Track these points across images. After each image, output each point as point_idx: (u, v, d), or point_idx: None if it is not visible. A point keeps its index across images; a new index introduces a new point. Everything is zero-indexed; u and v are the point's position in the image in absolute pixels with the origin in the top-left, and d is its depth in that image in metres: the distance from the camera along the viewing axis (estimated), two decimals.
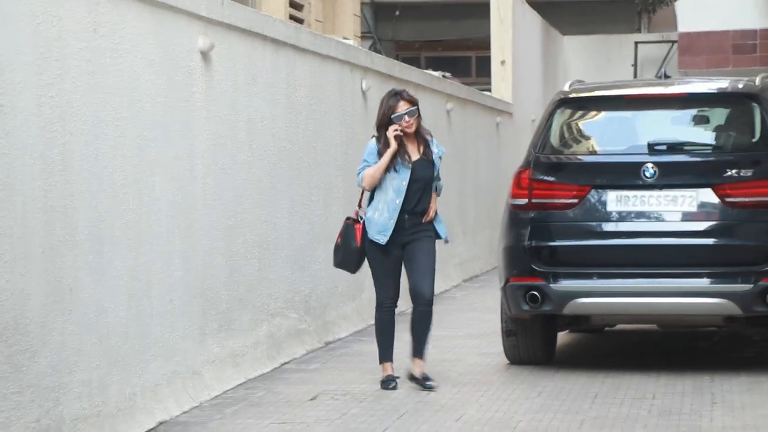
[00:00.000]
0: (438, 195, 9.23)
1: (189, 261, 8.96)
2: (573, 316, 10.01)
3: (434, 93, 16.07)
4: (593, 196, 9.77)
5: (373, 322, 12.73)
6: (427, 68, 19.96)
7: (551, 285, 9.67)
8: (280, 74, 10.85)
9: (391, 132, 8.87)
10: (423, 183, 9.00)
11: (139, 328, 8.16)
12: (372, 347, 11.23)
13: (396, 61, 15.17)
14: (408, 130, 8.94)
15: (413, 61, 21.83)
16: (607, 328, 11.74)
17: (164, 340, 8.51)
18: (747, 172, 9.62)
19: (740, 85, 10.27)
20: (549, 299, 9.68)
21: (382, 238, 8.92)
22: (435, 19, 31.30)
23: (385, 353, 9.19)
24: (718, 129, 10.38)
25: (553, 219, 9.76)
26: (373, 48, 26.00)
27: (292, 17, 18.29)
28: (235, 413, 8.47)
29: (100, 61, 7.71)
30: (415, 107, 8.98)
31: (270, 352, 10.28)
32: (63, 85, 7.25)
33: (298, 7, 19.06)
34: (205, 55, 9.22)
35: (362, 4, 25.54)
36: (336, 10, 21.48)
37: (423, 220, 9.03)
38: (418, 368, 9.06)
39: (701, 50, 21.23)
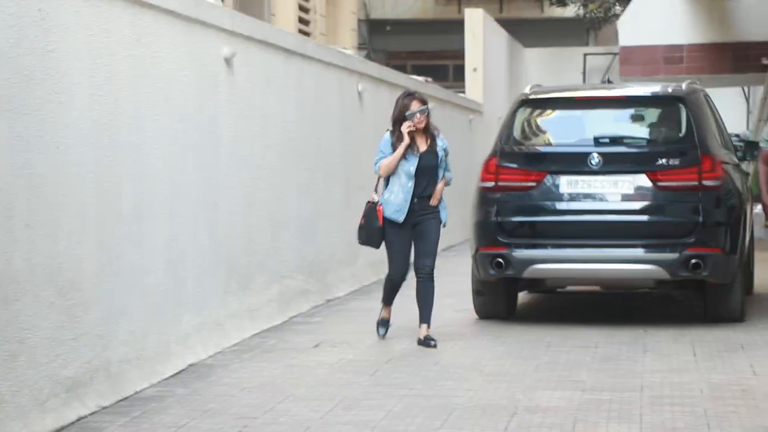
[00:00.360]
0: (448, 184, 9.02)
1: (214, 232, 8.97)
2: (531, 279, 10.01)
3: None
4: (548, 180, 9.78)
5: (367, 283, 12.80)
6: (412, 74, 19.91)
7: (513, 253, 9.69)
8: (290, 78, 10.84)
9: (405, 128, 8.72)
10: (429, 170, 8.83)
11: (174, 287, 8.18)
12: (366, 304, 11.26)
13: (386, 67, 15.14)
14: (419, 126, 8.78)
15: (401, 68, 21.78)
16: (559, 289, 11.75)
17: (194, 297, 8.52)
18: (675, 161, 9.63)
19: (670, 89, 10.26)
20: (511, 265, 9.70)
21: (400, 216, 8.77)
22: (419, 33, 31.26)
23: (388, 299, 9.18)
24: (651, 125, 10.37)
25: (515, 199, 9.77)
26: (368, 57, 25.93)
27: (300, 31, 18.25)
28: (251, 357, 8.49)
29: (142, 66, 7.71)
30: (426, 106, 8.82)
31: (280, 307, 10.29)
32: (111, 86, 7.26)
33: (305, 22, 19.01)
34: (228, 61, 9.22)
35: (359, 20, 25.48)
36: (337, 25, 21.45)
37: (430, 203, 8.85)
38: (423, 332, 8.88)
39: (638, 61, 21.21)
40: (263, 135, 10.08)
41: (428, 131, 8.90)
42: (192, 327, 8.43)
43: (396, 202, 8.81)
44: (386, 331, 9.23)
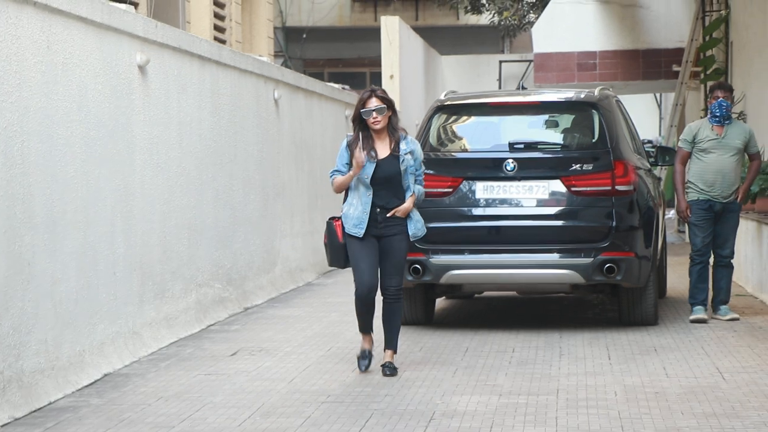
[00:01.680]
0: (418, 197, 8.05)
1: (129, 240, 8.87)
2: (448, 284, 10.02)
3: (335, 102, 16.04)
4: (464, 186, 9.80)
5: (285, 291, 12.75)
6: (329, 81, 19.89)
7: (430, 259, 9.70)
8: (206, 85, 10.77)
9: (357, 156, 7.87)
10: (391, 179, 7.94)
11: (88, 295, 8.07)
12: (284, 312, 11.22)
13: (303, 75, 15.11)
14: (375, 126, 7.91)
15: (318, 76, 21.77)
16: (476, 295, 11.82)
17: (108, 305, 8.42)
18: (588, 166, 9.70)
19: (582, 95, 10.31)
20: (429, 271, 9.71)
21: (359, 231, 7.92)
22: (336, 41, 31.27)
23: (364, 326, 8.12)
24: (565, 131, 10.43)
25: (432, 205, 9.74)
26: (285, 65, 25.87)
27: (216, 38, 18.13)
28: (168, 366, 8.41)
29: (53, 73, 7.60)
30: (384, 106, 7.91)
31: (198, 315, 10.21)
32: (21, 93, 7.14)
33: (221, 29, 18.90)
34: (141, 68, 9.12)
35: (275, 28, 25.40)
36: (253, 32, 21.35)
37: (387, 215, 7.94)
38: (387, 357, 8.07)
39: (552, 68, 21.43)
40: (179, 142, 10.00)
41: (391, 134, 8.04)
42: (107, 336, 8.32)
43: (355, 215, 7.97)
44: (368, 364, 8.11)
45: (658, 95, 31.56)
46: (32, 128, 7.27)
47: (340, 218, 8.08)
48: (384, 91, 8.05)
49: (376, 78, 25.71)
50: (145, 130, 9.22)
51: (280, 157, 13.27)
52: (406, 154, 7.98)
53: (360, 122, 7.99)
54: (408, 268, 9.64)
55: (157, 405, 7.11)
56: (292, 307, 11.55)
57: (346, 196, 8.10)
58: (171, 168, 9.77)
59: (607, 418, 6.64)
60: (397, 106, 21.66)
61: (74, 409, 7.03)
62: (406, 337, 9.65)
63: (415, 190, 8.03)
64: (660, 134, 30.10)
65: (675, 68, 20.73)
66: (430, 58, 26.58)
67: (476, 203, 9.74)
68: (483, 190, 9.75)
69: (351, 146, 7.96)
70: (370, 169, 7.92)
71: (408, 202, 7.98)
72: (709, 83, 15.46)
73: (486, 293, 11.75)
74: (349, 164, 7.94)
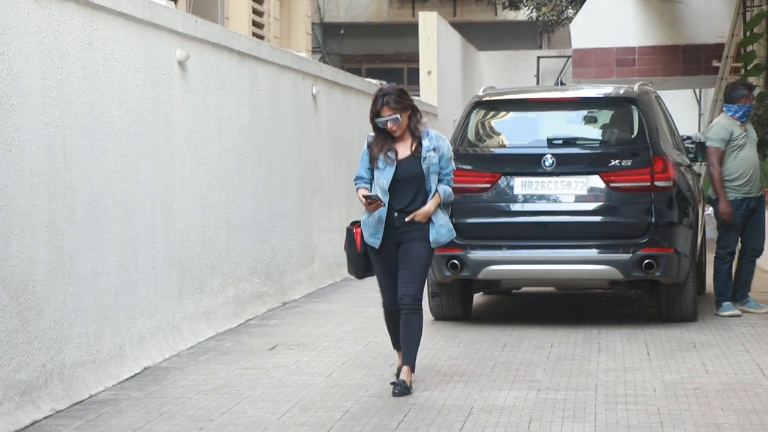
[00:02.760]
0: (444, 199, 7.32)
1: (169, 235, 8.92)
2: (486, 280, 10.03)
3: (371, 97, 16.02)
4: (503, 181, 9.80)
5: (323, 286, 12.79)
6: (366, 77, 19.93)
7: (468, 255, 9.70)
8: (244, 80, 10.81)
9: (360, 195, 7.28)
10: (413, 180, 7.26)
11: (128, 290, 8.13)
12: (322, 306, 11.26)
13: (340, 70, 15.13)
14: (393, 134, 7.31)
15: (356, 72, 21.79)
16: (514, 291, 11.81)
17: (148, 299, 8.48)
18: (627, 162, 9.68)
19: (622, 91, 10.29)
20: (467, 266, 9.72)
21: (375, 241, 7.29)
22: (374, 36, 31.28)
23: (395, 341, 7.57)
24: (604, 127, 10.41)
25: (470, 200, 9.77)
26: (323, 60, 25.92)
27: (254, 34, 18.20)
28: (207, 360, 8.45)
29: (94, 69, 7.66)
30: (397, 115, 7.21)
31: (236, 310, 10.26)
32: (63, 88, 7.20)
33: (259, 25, 18.96)
34: (181, 64, 9.18)
35: (313, 24, 25.46)
36: (291, 28, 21.40)
37: (406, 219, 7.26)
38: (403, 374, 7.27)
39: (591, 63, 21.35)
40: (218, 137, 10.05)
41: (413, 134, 7.37)
42: (147, 329, 8.38)
43: (371, 223, 7.32)
44: (402, 389, 7.21)
45: (697, 91, 31.37)
46: (74, 123, 7.33)
47: (356, 224, 7.50)
48: (398, 95, 7.29)
49: (414, 73, 25.71)
50: (185, 126, 9.27)
51: (318, 152, 13.30)
52: (428, 151, 7.28)
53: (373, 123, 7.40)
54: (446, 264, 9.65)
55: (196, 398, 7.16)
56: (330, 302, 11.58)
57: None
58: (210, 163, 9.82)
59: (646, 413, 6.62)
60: (434, 102, 21.69)
61: (115, 402, 7.09)
62: (444, 332, 9.66)
63: (439, 190, 7.29)
64: (699, 130, 29.91)
65: (715, 64, 20.60)
66: (467, 54, 26.54)
67: (514, 199, 9.74)
68: (521, 185, 9.74)
69: (371, 147, 7.37)
70: (389, 172, 7.27)
71: (429, 205, 7.25)
72: (749, 79, 15.36)
73: (524, 289, 11.73)
74: (371, 168, 7.36)
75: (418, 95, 21.47)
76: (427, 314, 10.29)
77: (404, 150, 7.33)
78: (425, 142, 7.31)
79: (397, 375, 7.36)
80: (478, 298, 11.40)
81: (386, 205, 7.23)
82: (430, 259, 7.35)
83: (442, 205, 7.36)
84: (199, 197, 9.55)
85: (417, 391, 7.26)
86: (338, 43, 31.17)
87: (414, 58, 23.33)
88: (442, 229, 7.31)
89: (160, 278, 8.71)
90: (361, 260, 7.43)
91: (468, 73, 26.50)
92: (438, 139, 7.37)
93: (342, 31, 30.83)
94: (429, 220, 7.27)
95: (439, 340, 9.27)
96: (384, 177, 7.27)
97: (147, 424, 6.49)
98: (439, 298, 10.17)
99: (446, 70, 23.29)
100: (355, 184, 7.43)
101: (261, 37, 18.52)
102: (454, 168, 7.44)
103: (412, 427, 6.37)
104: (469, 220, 9.78)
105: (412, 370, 7.34)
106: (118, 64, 8.01)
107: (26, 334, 6.65)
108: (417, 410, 6.76)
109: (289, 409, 6.84)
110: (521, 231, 9.74)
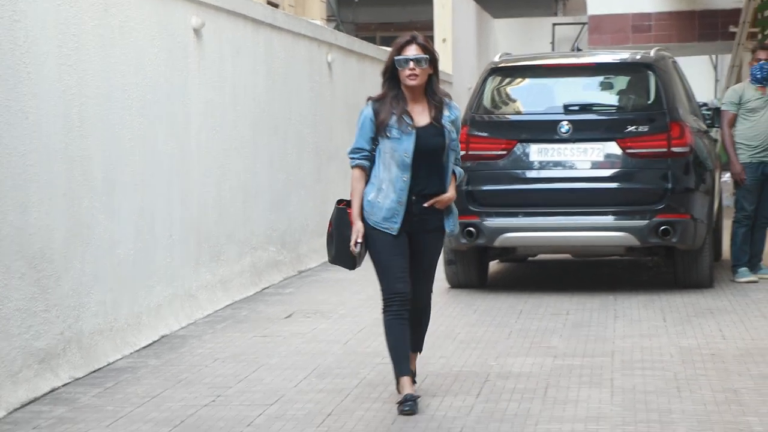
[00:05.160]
0: (457, 180, 6.20)
1: (185, 203, 8.93)
2: (502, 247, 10.03)
3: None
4: (519, 148, 9.78)
5: None
6: (381, 45, 19.85)
7: (484, 222, 9.70)
8: (260, 48, 10.79)
9: (355, 233, 6.10)
10: (431, 156, 6.02)
11: (145, 258, 8.15)
12: (338, 275, 11.23)
13: (355, 38, 15.09)
14: (409, 82, 5.99)
15: (370, 40, 21.70)
16: (530, 258, 11.81)
17: (165, 268, 8.49)
18: (644, 128, 9.65)
19: (638, 57, 10.26)
20: (483, 234, 9.71)
21: (393, 227, 5.99)
22: (388, 4, 31.15)
23: (400, 367, 6.12)
24: (620, 92, 10.36)
25: (486, 167, 9.75)
26: (337, 28, 25.84)
27: (269, 2, 18.15)
28: (224, 328, 8.48)
29: (111, 36, 7.65)
30: (425, 56, 6.00)
31: (253, 278, 10.28)
32: (79, 56, 7.19)
33: None
34: (197, 31, 9.16)
35: None
36: None
37: (425, 205, 6.04)
38: (408, 387, 6.10)
39: (607, 30, 21.25)
40: (234, 105, 10.03)
41: (432, 97, 6.10)
42: (164, 298, 8.40)
43: (386, 204, 6.00)
44: (412, 406, 5.99)
45: (714, 57, 31.19)
46: (90, 91, 7.32)
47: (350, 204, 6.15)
48: (427, 40, 6.12)
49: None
50: (201, 93, 9.26)
51: (333, 120, 13.28)
52: (450, 123, 6.09)
53: (391, 77, 6.08)
54: (462, 231, 9.61)
55: (213, 366, 7.18)
56: (345, 271, 11.53)
57: (369, 175, 6.09)
58: (226, 131, 9.82)
59: (663, 379, 6.62)
60: (449, 70, 21.62)
61: (132, 369, 7.12)
62: (460, 299, 9.67)
63: (456, 173, 6.19)
64: (716, 96, 29.78)
65: (732, 29, 20.48)
66: (482, 22, 26.42)
67: (530, 166, 9.73)
68: (537, 152, 9.72)
69: (378, 112, 6.01)
70: (408, 142, 5.96)
71: (451, 190, 6.11)
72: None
73: (539, 256, 11.73)
74: (375, 138, 6.03)
75: None
76: (443, 282, 10.32)
77: (420, 116, 6.05)
78: (446, 112, 6.08)
79: (409, 401, 6.02)
80: (494, 265, 11.40)
81: (407, 182, 5.97)
82: (441, 251, 6.34)
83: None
84: (215, 165, 9.55)
85: (433, 358, 7.27)
86: (352, 12, 31.06)
87: (428, 26, 23.22)
88: (455, 218, 6.21)
89: (177, 247, 8.72)
90: (364, 250, 6.12)
91: (483, 41, 26.38)
92: (456, 109, 6.20)
93: (356, 0, 30.72)
94: (447, 208, 6.15)
95: (455, 308, 9.27)
96: (402, 149, 5.94)
97: (164, 392, 6.52)
98: (455, 265, 10.16)
99: (461, 38, 23.20)
100: (351, 159, 6.08)
101: (276, 6, 18.46)
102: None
103: (429, 393, 6.38)
104: (485, 188, 9.77)
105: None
106: (133, 31, 7.99)
107: (44, 302, 6.68)
108: (434, 377, 6.77)
109: (305, 376, 6.86)
110: (537, 198, 9.73)
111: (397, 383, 6.13)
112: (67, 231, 7.00)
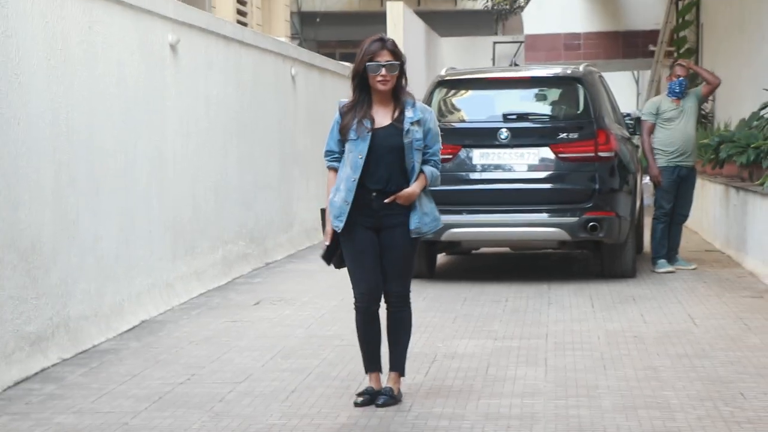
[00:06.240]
0: (430, 182, 5.69)
1: (163, 202, 8.88)
2: (448, 242, 10.04)
3: (346, 78, 15.98)
4: (463, 153, 9.81)
5: (302, 248, 12.76)
6: (340, 61, 19.80)
7: None
8: (230, 62, 10.74)
9: (325, 234, 5.72)
10: (391, 154, 5.57)
11: (126, 251, 8.09)
12: (301, 266, 11.24)
13: (317, 54, 15.06)
14: (380, 87, 5.58)
15: (331, 56, 21.66)
16: (473, 251, 11.83)
17: (145, 260, 8.44)
18: (574, 135, 9.71)
19: (569, 71, 10.31)
20: None
21: (339, 224, 5.58)
22: (346, 24, 31.14)
23: (369, 362, 5.78)
24: (553, 103, 10.40)
25: None
26: (300, 45, 25.77)
27: (238, 21, 18.06)
28: (198, 314, 8.44)
29: (94, 51, 7.59)
30: (397, 62, 5.60)
31: (224, 269, 10.23)
32: (66, 68, 7.13)
33: (243, 14, 18.81)
34: (173, 47, 9.10)
35: (291, 12, 25.29)
36: (272, 16, 21.27)
37: (386, 201, 5.59)
38: (389, 381, 5.77)
39: (541, 47, 21.36)
40: (207, 114, 9.98)
41: (397, 99, 5.66)
42: (144, 287, 8.35)
43: (336, 203, 5.61)
44: (366, 399, 5.69)
45: (636, 72, 31.43)
46: (76, 101, 7.26)
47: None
48: (395, 44, 5.69)
49: None
50: (177, 104, 9.20)
51: (296, 127, 13.25)
52: (411, 124, 5.60)
53: (360, 80, 5.64)
54: None
55: (189, 348, 7.14)
56: (308, 262, 11.56)
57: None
58: (199, 137, 9.76)
59: (591, 359, 6.66)
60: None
61: (115, 351, 7.06)
62: (411, 288, 9.64)
63: (426, 172, 5.66)
64: (637, 107, 29.99)
65: (651, 48, 20.66)
66: (430, 40, 26.45)
67: (473, 168, 9.76)
68: (479, 156, 9.75)
69: (344, 115, 5.64)
70: (363, 145, 5.55)
71: (413, 186, 5.59)
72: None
73: (482, 249, 11.76)
74: (342, 141, 5.65)
75: None
76: None
77: (383, 118, 5.63)
78: (409, 113, 5.62)
79: (367, 394, 5.70)
80: (441, 258, 11.41)
81: (356, 182, 5.55)
82: (415, 248, 5.74)
83: (428, 190, 5.74)
84: (189, 168, 9.50)
85: (385, 341, 7.24)
86: (314, 31, 31.01)
87: None
88: (425, 217, 5.68)
89: (156, 241, 8.67)
90: (337, 247, 5.71)
91: (431, 57, 26.41)
92: (424, 111, 5.70)
93: (318, 20, 30.66)
94: (412, 204, 5.64)
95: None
96: (358, 150, 5.56)
97: (144, 371, 6.48)
98: None
99: (412, 54, 23.20)
100: (325, 160, 5.74)
101: (245, 24, 18.38)
102: (441, 147, 5.82)
103: (383, 373, 6.35)
104: (433, 188, 9.73)
105: (401, 374, 5.78)
106: (116, 47, 7.93)
107: (35, 290, 6.61)
108: (385, 358, 6.75)
109: (272, 357, 6.84)
110: (479, 197, 9.75)
111: (367, 376, 5.78)
112: (55, 226, 6.94)
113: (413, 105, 5.67)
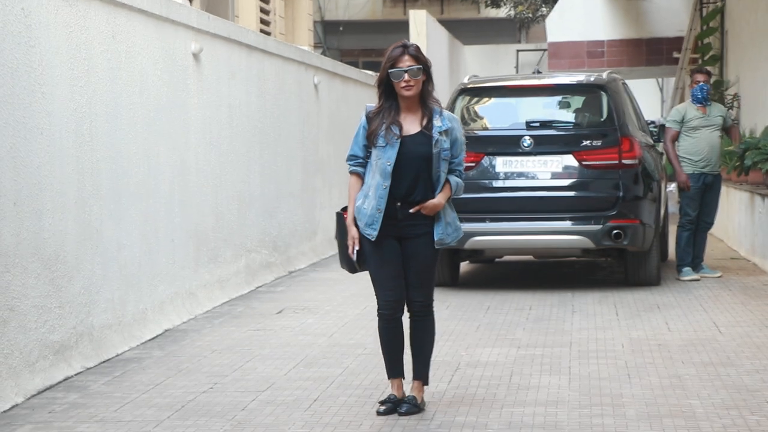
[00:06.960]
0: (453, 192, 5.62)
1: (186, 210, 8.90)
2: (471, 250, 10.03)
3: (368, 86, 16.01)
4: (486, 161, 9.79)
5: (325, 256, 12.76)
6: (363, 69, 19.83)
7: None
8: (253, 71, 10.76)
9: (350, 240, 5.63)
10: (419, 163, 5.50)
11: (149, 260, 8.11)
12: (324, 275, 11.23)
13: (339, 62, 15.07)
14: (405, 93, 5.51)
15: (353, 64, 21.72)
16: (496, 259, 11.80)
17: (168, 269, 8.46)
18: (597, 142, 9.68)
19: (592, 78, 10.28)
20: None
21: (372, 232, 5.53)
22: (369, 33, 31.18)
23: (392, 368, 5.75)
24: (576, 110, 10.39)
25: None
26: (323, 54, 25.82)
27: (262, 30, 18.10)
28: (221, 323, 8.44)
29: (118, 60, 7.62)
30: (420, 67, 5.51)
31: (247, 278, 10.24)
32: (89, 78, 7.16)
33: (266, 23, 18.86)
34: (196, 56, 9.13)
35: (314, 21, 25.35)
36: (295, 25, 21.32)
37: (411, 211, 5.53)
38: (413, 390, 5.76)
39: (564, 55, 21.32)
40: (230, 123, 10.00)
41: (425, 106, 5.59)
42: (167, 296, 8.36)
43: (367, 211, 5.54)
44: (389, 408, 5.68)
45: (660, 80, 31.31)
46: (99, 110, 7.29)
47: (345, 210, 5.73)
48: (418, 49, 5.58)
49: None
50: (199, 112, 9.23)
51: (319, 136, 13.26)
52: (440, 134, 5.52)
53: (386, 87, 5.59)
54: None
55: (211, 357, 7.15)
56: (331, 271, 11.56)
57: (363, 181, 5.65)
58: (222, 146, 9.79)
59: (615, 367, 6.62)
60: None
61: (138, 360, 7.07)
62: (434, 297, 9.62)
63: (451, 182, 5.58)
64: (662, 115, 29.87)
65: (675, 55, 20.58)
66: (453, 48, 26.45)
67: (496, 176, 9.74)
68: (502, 164, 9.74)
69: (371, 121, 5.57)
70: (391, 152, 5.49)
71: (439, 197, 5.52)
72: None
73: (505, 257, 11.72)
74: (368, 146, 5.60)
75: None
76: None
77: (411, 125, 5.56)
78: (437, 122, 5.54)
79: (389, 402, 5.68)
80: (464, 266, 11.38)
81: (387, 189, 5.49)
82: (437, 257, 5.70)
83: (450, 200, 5.66)
84: (212, 177, 9.52)
85: (408, 349, 7.23)
86: (337, 39, 31.06)
87: None
88: (449, 228, 5.61)
89: (178, 250, 8.68)
90: (355, 253, 5.64)
91: (454, 65, 26.41)
92: (452, 120, 5.62)
93: (341, 28, 30.72)
94: (436, 214, 5.58)
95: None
96: (386, 157, 5.48)
97: (167, 380, 6.48)
98: None
99: (435, 62, 23.18)
100: (348, 165, 5.68)
101: (268, 34, 18.43)
102: (465, 155, 5.72)
103: (405, 381, 6.34)
104: (455, 196, 9.73)
105: (425, 384, 5.74)
106: (138, 56, 7.96)
107: (58, 299, 6.64)
108: (409, 366, 6.73)
109: (295, 365, 6.83)
110: (502, 205, 9.73)
111: (390, 382, 5.76)
112: (79, 235, 6.96)
113: (440, 113, 5.59)
